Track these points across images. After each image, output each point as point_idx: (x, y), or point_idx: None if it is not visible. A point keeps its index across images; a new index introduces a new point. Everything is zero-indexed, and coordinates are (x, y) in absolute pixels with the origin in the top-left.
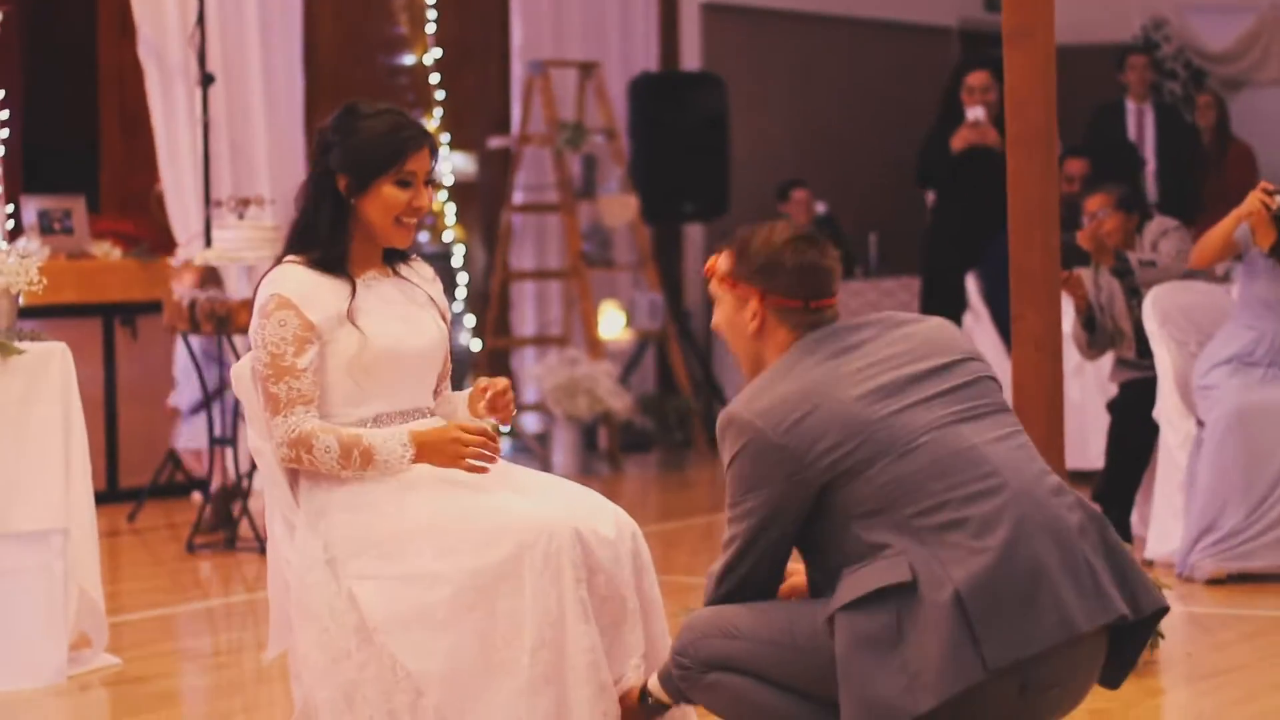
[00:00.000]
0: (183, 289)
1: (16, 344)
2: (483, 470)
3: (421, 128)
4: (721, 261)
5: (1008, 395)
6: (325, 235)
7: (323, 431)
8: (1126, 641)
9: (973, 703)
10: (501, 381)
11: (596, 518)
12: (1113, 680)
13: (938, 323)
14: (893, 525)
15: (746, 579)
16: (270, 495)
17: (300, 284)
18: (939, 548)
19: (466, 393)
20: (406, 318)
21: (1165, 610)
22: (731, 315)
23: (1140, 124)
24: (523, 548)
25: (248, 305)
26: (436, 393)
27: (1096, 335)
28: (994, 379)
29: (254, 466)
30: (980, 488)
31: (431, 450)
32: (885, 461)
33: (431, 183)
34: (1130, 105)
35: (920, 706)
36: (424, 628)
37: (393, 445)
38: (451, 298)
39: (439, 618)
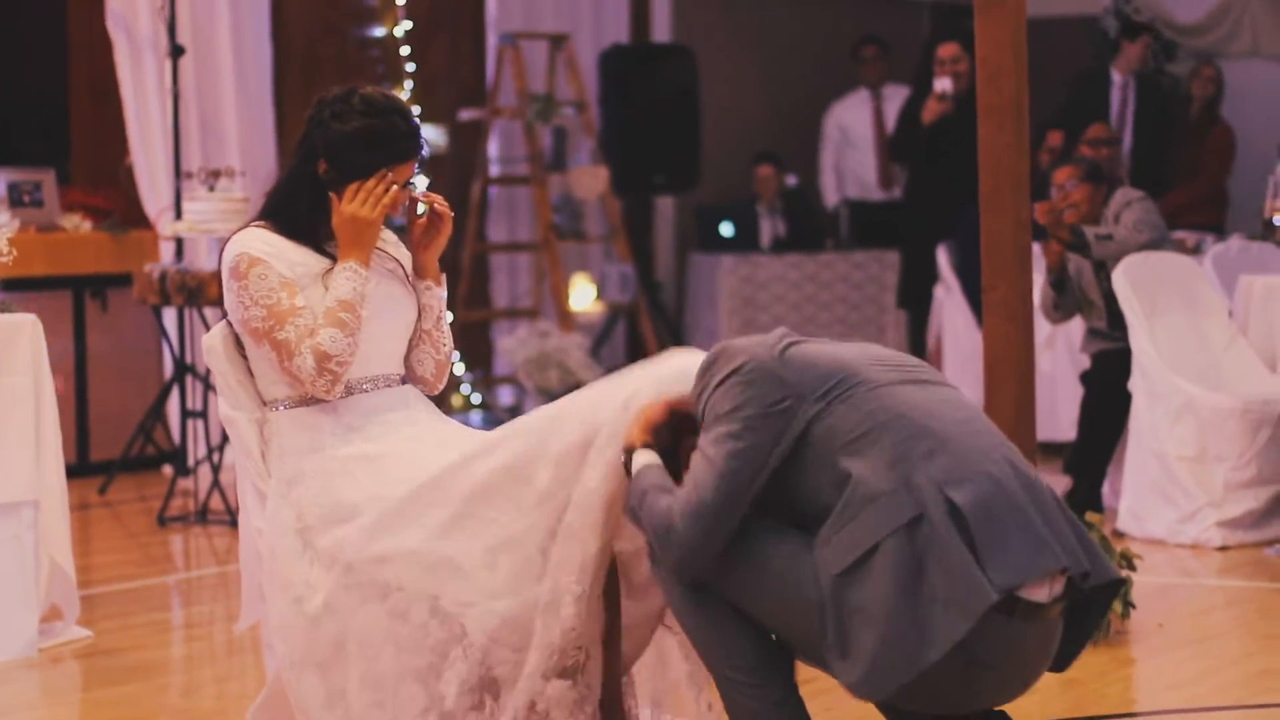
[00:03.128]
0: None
1: None
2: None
3: (413, 138)
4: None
5: (979, 367)
6: (304, 209)
7: (325, 337)
8: (1078, 622)
9: (920, 682)
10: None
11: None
12: (1060, 662)
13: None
14: (881, 452)
15: (722, 513)
16: (241, 465)
17: (266, 243)
18: (932, 471)
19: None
20: (375, 286)
21: (1121, 583)
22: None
23: (1124, 96)
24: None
25: (218, 277)
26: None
27: (1064, 298)
28: (940, 374)
29: (225, 440)
30: (960, 431)
31: (354, 241)
32: (868, 390)
33: (409, 185)
34: (1117, 77)
35: (957, 632)
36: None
37: (348, 282)
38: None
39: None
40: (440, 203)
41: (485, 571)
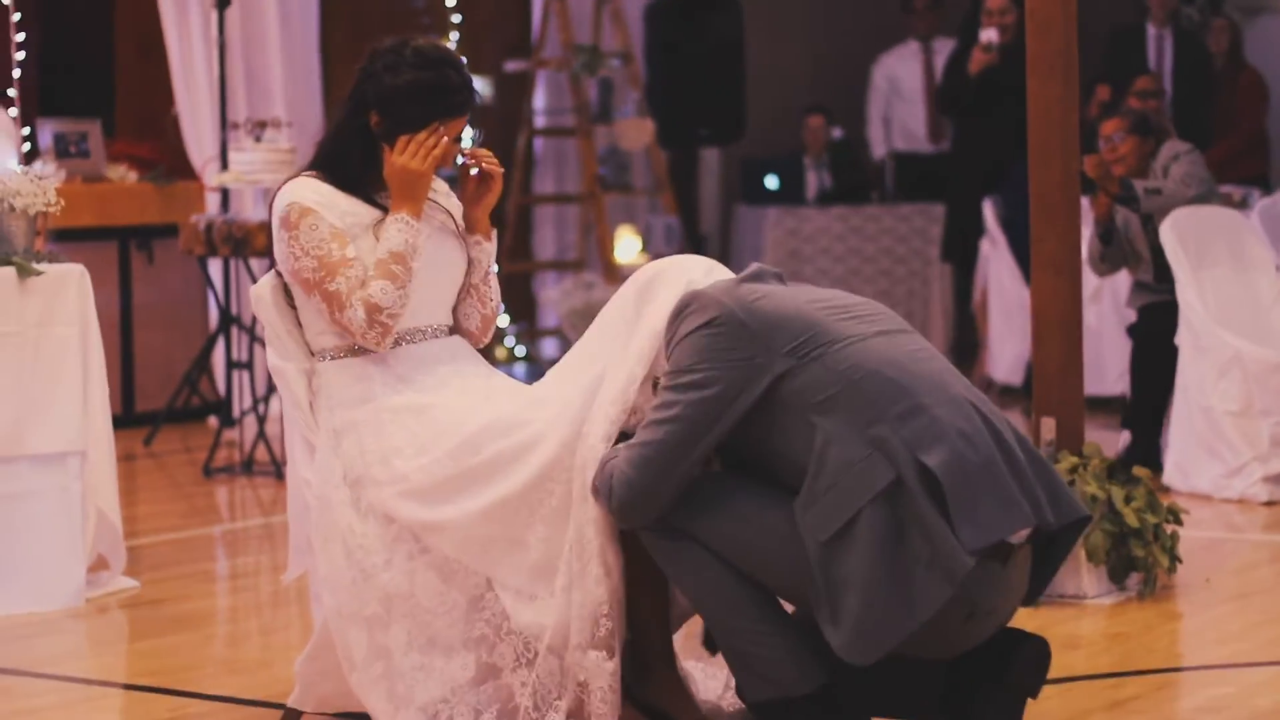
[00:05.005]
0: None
1: (34, 265)
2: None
3: (465, 91)
4: None
5: (1024, 322)
6: (355, 162)
7: (376, 289)
8: (1045, 557)
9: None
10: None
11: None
12: (1029, 597)
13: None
14: (854, 413)
15: (672, 459)
16: (289, 416)
17: (317, 192)
18: (905, 434)
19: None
20: (426, 238)
21: (1087, 519)
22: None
23: (1160, 49)
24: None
25: (264, 227)
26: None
27: (1110, 250)
28: (900, 319)
29: (270, 391)
30: (931, 385)
31: (405, 192)
32: (839, 348)
33: (459, 140)
34: (1151, 30)
35: (940, 597)
36: (467, 498)
37: (399, 234)
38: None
39: (480, 488)
40: (489, 160)
41: (521, 552)
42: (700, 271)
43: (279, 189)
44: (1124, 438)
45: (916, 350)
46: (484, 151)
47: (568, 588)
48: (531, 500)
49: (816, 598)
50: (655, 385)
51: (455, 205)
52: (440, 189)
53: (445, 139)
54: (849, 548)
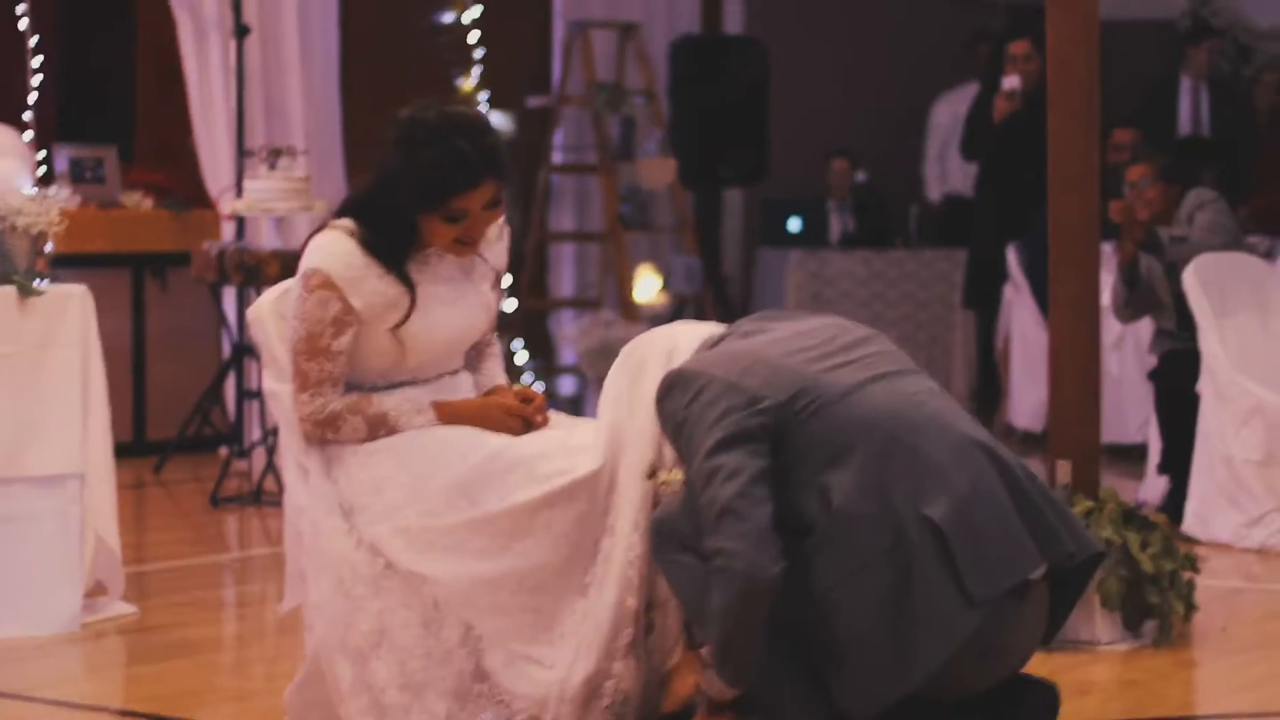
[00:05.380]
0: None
1: (35, 285)
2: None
3: (481, 159)
4: None
5: (1044, 358)
6: (391, 234)
7: (349, 412)
8: (1060, 597)
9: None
10: (538, 396)
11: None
12: (1044, 637)
13: (832, 318)
14: (857, 469)
15: (753, 513)
16: (284, 441)
17: (348, 264)
18: (908, 487)
19: (496, 386)
20: (455, 300)
21: (1102, 556)
22: None
23: (1196, 101)
24: (552, 490)
25: (278, 256)
26: (478, 346)
27: (1134, 296)
28: (901, 352)
29: None
30: (932, 429)
31: (466, 417)
32: (835, 405)
33: (497, 204)
34: (1186, 82)
35: (936, 660)
36: (461, 556)
37: (420, 423)
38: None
39: (476, 547)
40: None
41: (528, 615)
42: (684, 337)
43: (318, 233)
44: (1161, 484)
45: (916, 393)
46: (538, 402)
47: (571, 664)
48: (535, 570)
49: (820, 645)
50: (651, 473)
51: (498, 253)
52: (490, 235)
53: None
54: (850, 604)
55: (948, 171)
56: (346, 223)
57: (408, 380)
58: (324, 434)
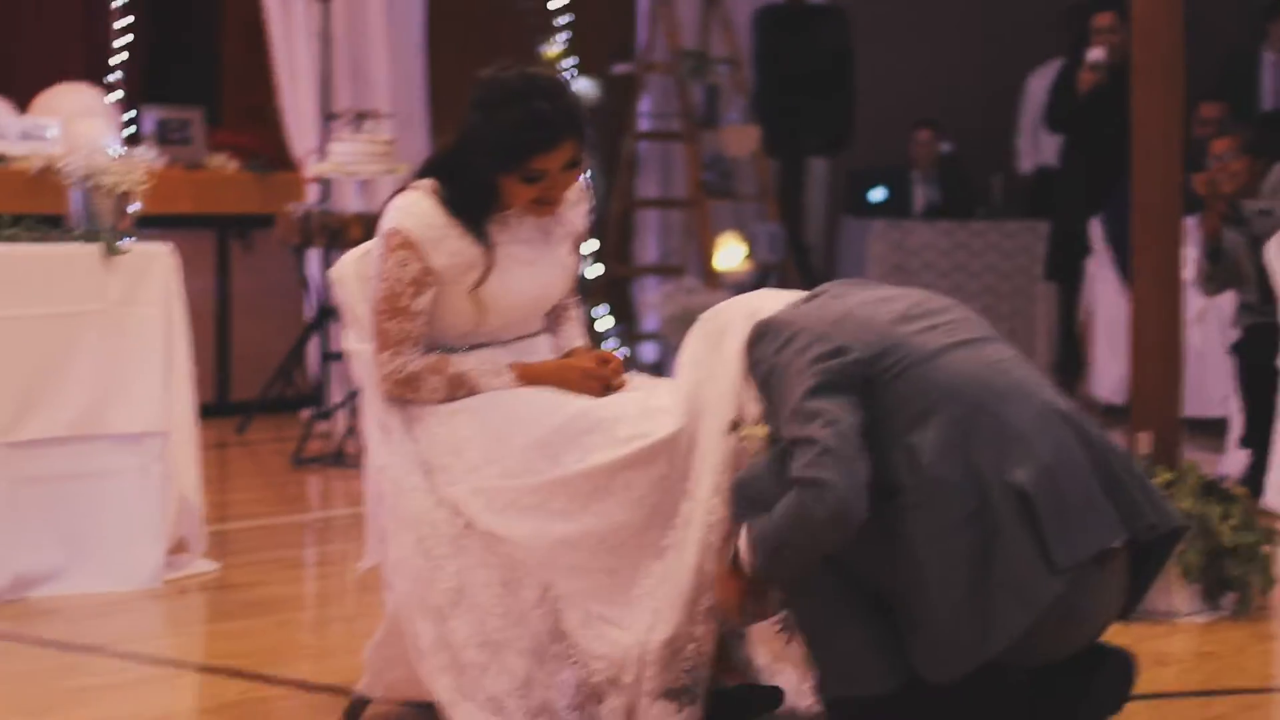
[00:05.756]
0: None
1: (119, 244)
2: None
3: (560, 119)
4: None
5: (1126, 331)
6: (471, 195)
7: (429, 372)
8: (1140, 570)
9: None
10: (616, 358)
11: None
12: (1124, 612)
13: (913, 289)
14: (942, 433)
15: (849, 452)
16: (367, 398)
17: (429, 224)
18: (993, 453)
19: (575, 348)
20: (535, 261)
21: (1183, 530)
22: None
23: (1278, 75)
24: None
25: (361, 219)
26: (557, 310)
27: (1218, 269)
28: (983, 320)
29: None
30: (1016, 396)
31: (544, 378)
32: (921, 367)
33: (575, 165)
34: (1268, 57)
35: (1018, 625)
36: (540, 516)
37: (498, 385)
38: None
39: (555, 508)
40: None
41: (606, 577)
42: (766, 304)
43: (399, 194)
44: (1240, 458)
45: (1000, 360)
46: (615, 364)
47: (650, 626)
48: (613, 531)
49: (900, 609)
50: (733, 427)
51: (578, 214)
52: (571, 196)
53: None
54: (934, 568)
55: (1040, 143)
56: (427, 183)
57: (487, 342)
58: (403, 393)
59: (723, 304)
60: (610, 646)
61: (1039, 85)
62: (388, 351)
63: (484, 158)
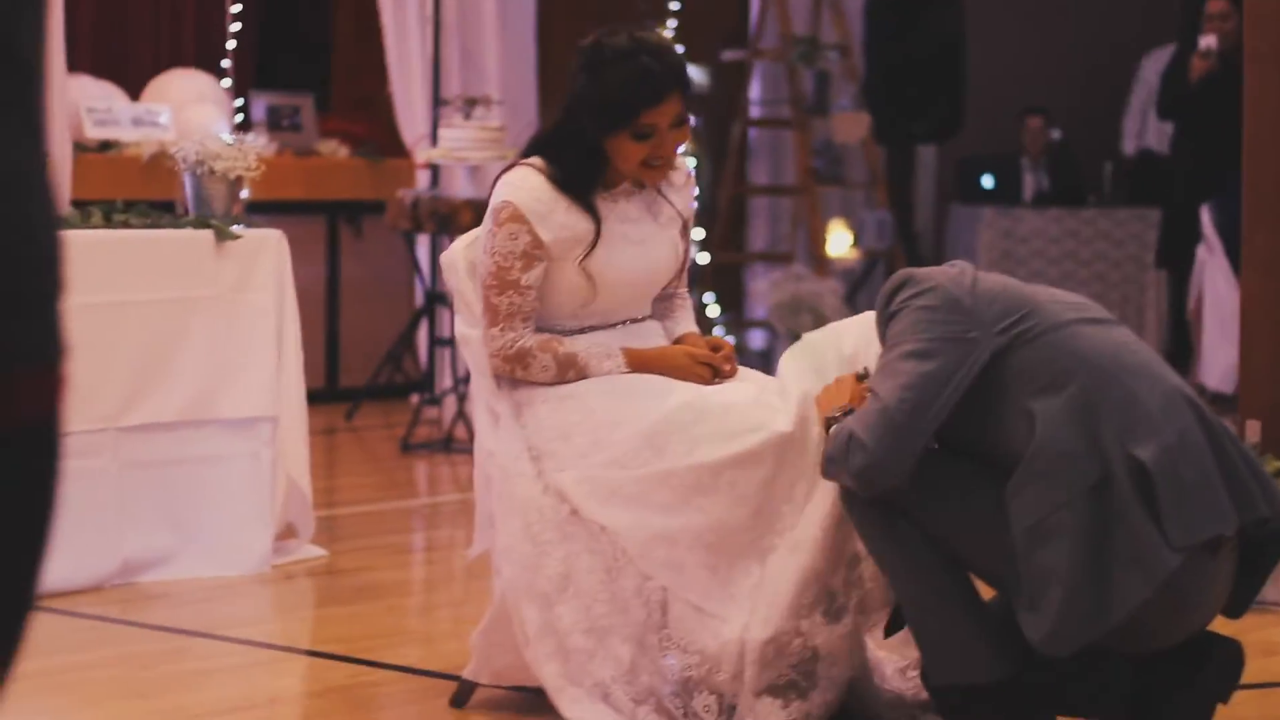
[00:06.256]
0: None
1: (232, 229)
2: (716, 381)
3: (667, 74)
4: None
5: (1236, 319)
6: (579, 165)
7: (540, 350)
8: (1251, 563)
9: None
10: (728, 344)
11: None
12: (1236, 608)
13: None
14: (1068, 402)
15: (907, 428)
16: (475, 385)
17: (538, 199)
18: (1118, 426)
19: (685, 334)
20: (643, 240)
21: None
22: None
23: None
24: (742, 447)
25: (470, 205)
26: (668, 297)
27: None
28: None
29: None
30: (1145, 375)
31: (654, 365)
32: (1055, 334)
33: (682, 123)
34: None
35: (1138, 597)
36: (641, 508)
37: (608, 368)
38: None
39: (657, 500)
40: (729, 362)
41: (704, 572)
42: (850, 332)
43: (507, 170)
44: None
45: (1129, 341)
46: (726, 351)
47: (748, 625)
48: (712, 528)
49: (1016, 585)
50: (860, 377)
51: (684, 199)
52: (676, 181)
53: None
54: (1054, 538)
55: (1147, 127)
56: (535, 160)
57: (597, 324)
58: (513, 370)
59: (816, 333)
60: (709, 640)
61: (1152, 68)
62: (498, 326)
63: (594, 119)
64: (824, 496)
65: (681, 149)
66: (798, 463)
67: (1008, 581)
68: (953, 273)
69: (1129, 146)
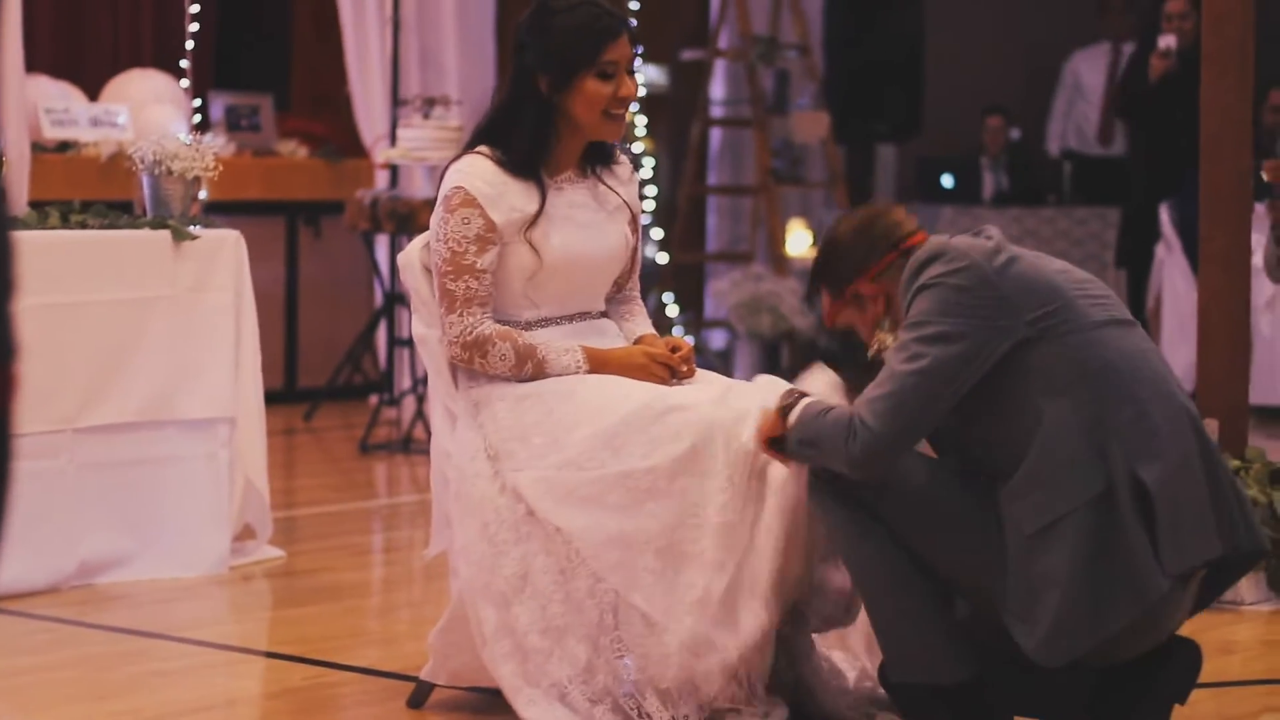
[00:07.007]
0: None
1: (190, 229)
2: (674, 383)
3: (618, 15)
4: (824, 302)
5: (1195, 318)
6: (529, 137)
7: (499, 338)
8: (1215, 581)
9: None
10: (686, 345)
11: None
12: (1190, 612)
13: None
14: (1082, 408)
15: (918, 410)
16: (432, 385)
17: (488, 181)
18: (1127, 443)
19: (644, 335)
20: (591, 225)
21: (1262, 554)
22: (866, 320)
23: None
24: (697, 449)
25: (429, 205)
26: (618, 293)
27: None
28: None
29: None
30: (1158, 393)
31: (614, 366)
32: (1080, 334)
33: (633, 71)
34: None
35: (1130, 613)
36: (597, 510)
37: (566, 362)
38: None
39: (611, 502)
40: (687, 363)
41: (651, 577)
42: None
43: (453, 162)
44: None
45: (1146, 349)
46: (685, 352)
47: (689, 626)
48: (663, 533)
49: (1003, 594)
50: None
51: (630, 192)
52: (622, 175)
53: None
54: (1053, 546)
55: (1067, 130)
56: (482, 148)
57: (551, 314)
58: (471, 358)
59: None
60: (653, 646)
61: (1081, 69)
62: (456, 313)
63: (555, 68)
64: (776, 513)
65: (634, 107)
66: (750, 476)
67: (992, 590)
68: (987, 247)
69: (1052, 148)
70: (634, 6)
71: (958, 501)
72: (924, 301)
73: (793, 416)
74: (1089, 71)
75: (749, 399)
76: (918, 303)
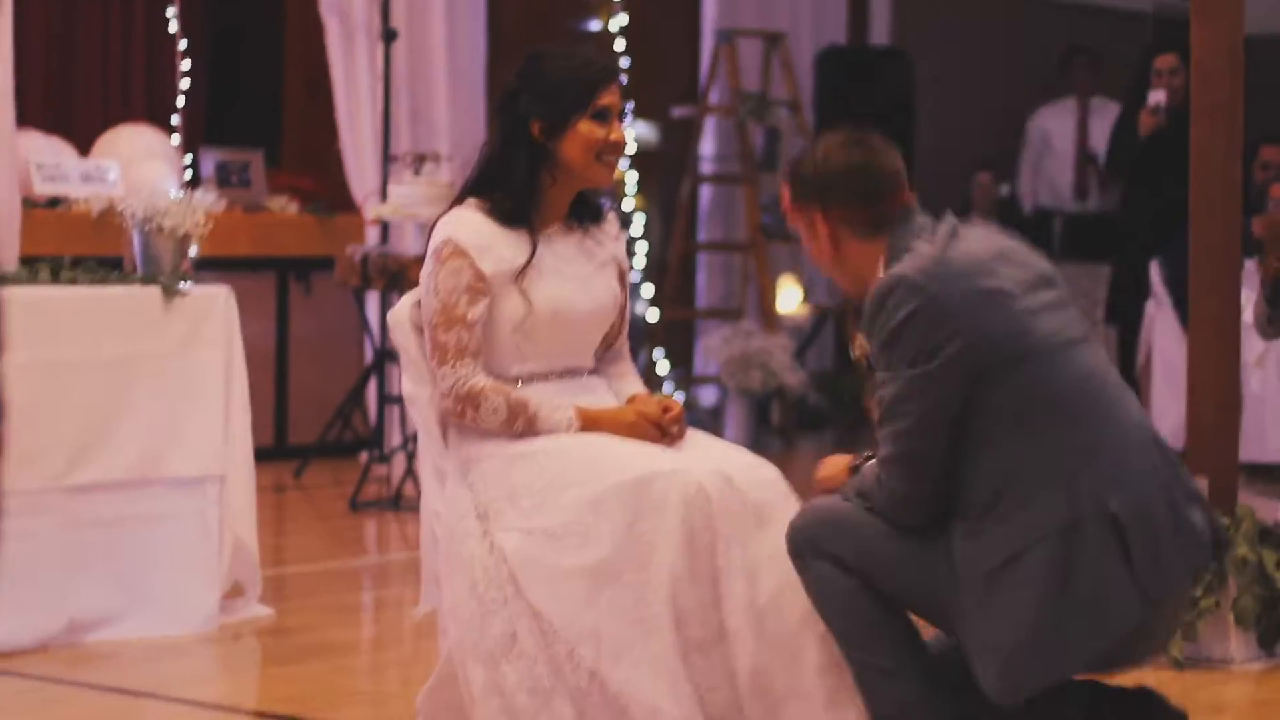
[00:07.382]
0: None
1: (180, 286)
2: (665, 443)
3: (609, 63)
4: (784, 195)
5: (1185, 374)
6: (520, 184)
7: (492, 392)
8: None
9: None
10: (677, 405)
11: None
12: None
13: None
14: (1044, 436)
15: (922, 468)
16: (422, 444)
17: (478, 232)
18: (1093, 473)
19: (635, 394)
20: (580, 278)
21: (1226, 543)
22: (810, 244)
23: None
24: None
25: (420, 261)
26: (608, 351)
27: (1278, 312)
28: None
29: None
30: (1119, 414)
31: (604, 422)
32: (1034, 363)
33: (624, 117)
34: None
35: (1096, 646)
36: (570, 587)
37: (558, 419)
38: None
39: (585, 584)
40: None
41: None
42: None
43: (444, 214)
44: None
45: (1106, 371)
46: (675, 413)
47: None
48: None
49: (967, 629)
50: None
51: (619, 248)
52: (610, 231)
53: (613, 135)
54: (1013, 582)
55: (1038, 186)
56: (471, 201)
57: (540, 368)
58: (464, 411)
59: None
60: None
61: (1036, 127)
62: (448, 365)
63: (550, 111)
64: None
65: (624, 164)
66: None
67: (954, 626)
68: (944, 274)
69: (1026, 205)
70: (625, 64)
71: (915, 542)
72: (891, 346)
73: (859, 473)
74: (1058, 127)
75: (736, 461)
76: (884, 354)
